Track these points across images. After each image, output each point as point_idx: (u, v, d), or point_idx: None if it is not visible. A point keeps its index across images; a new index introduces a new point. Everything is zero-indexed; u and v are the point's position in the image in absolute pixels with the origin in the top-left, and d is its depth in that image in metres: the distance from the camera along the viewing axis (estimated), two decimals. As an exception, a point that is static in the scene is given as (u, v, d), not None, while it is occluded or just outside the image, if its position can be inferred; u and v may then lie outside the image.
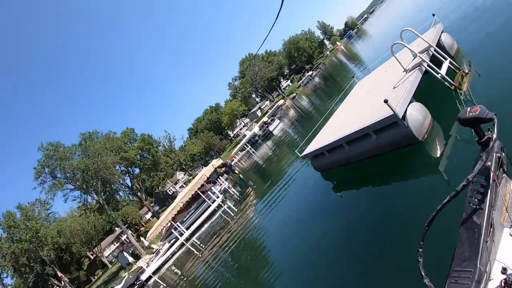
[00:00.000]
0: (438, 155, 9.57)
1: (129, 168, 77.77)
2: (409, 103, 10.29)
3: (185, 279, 24.92)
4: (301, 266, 11.72)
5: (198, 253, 27.66)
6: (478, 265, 3.21)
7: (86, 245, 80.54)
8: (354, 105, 15.94)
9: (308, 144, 17.29)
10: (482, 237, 3.36)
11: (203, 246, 28.09)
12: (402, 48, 13.48)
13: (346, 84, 31.84)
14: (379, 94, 12.90)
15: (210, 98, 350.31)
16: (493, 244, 3.46)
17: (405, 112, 10.03)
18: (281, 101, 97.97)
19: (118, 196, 75.45)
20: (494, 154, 3.72)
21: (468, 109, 3.85)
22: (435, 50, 12.43)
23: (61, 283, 61.64)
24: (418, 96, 11.11)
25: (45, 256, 61.97)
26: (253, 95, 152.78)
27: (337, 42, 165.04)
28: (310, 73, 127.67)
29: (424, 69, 11.76)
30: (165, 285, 29.16)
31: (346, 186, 14.07)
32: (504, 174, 3.94)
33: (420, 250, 3.63)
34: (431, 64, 11.69)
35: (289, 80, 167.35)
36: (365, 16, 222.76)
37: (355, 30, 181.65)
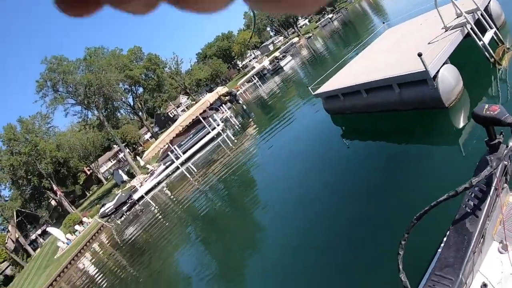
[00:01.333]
0: (461, 126, 8.79)
1: (133, 87, 76.20)
2: (443, 64, 9.35)
3: (176, 201, 24.87)
4: (287, 202, 11.55)
5: (191, 178, 27.54)
6: (461, 276, 3.10)
7: (83, 161, 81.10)
8: (380, 53, 14.59)
9: (322, 84, 16.18)
10: (471, 246, 3.22)
11: (197, 172, 27.87)
12: (445, 4, 11.86)
13: (365, 34, 30.67)
14: (411, 46, 11.81)
15: (224, 25, 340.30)
16: (479, 256, 3.37)
17: (437, 72, 9.18)
18: (296, 39, 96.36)
19: (119, 114, 74.73)
20: (502, 162, 3.49)
21: (486, 106, 3.52)
22: (481, 15, 11.01)
23: (56, 196, 62.37)
24: (454, 59, 9.96)
25: (43, 170, 62.22)
26: (268, 29, 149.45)
27: None
28: (330, 15, 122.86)
29: (466, 31, 10.50)
30: (155, 206, 28.84)
31: (355, 134, 13.22)
32: (506, 185, 3.72)
33: (403, 242, 3.36)
34: (475, 28, 10.44)
35: (307, 19, 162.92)
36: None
37: None
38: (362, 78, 12.16)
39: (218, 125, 36.00)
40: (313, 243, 8.72)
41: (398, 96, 10.54)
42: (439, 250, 3.58)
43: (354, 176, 10.03)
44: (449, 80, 9.34)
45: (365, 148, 11.46)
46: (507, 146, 3.52)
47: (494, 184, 3.41)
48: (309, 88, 16.19)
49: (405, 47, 12.40)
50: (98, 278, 22.65)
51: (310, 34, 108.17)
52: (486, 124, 3.54)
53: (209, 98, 37.53)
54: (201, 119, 36.40)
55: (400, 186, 8.14)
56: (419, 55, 8.59)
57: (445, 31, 10.80)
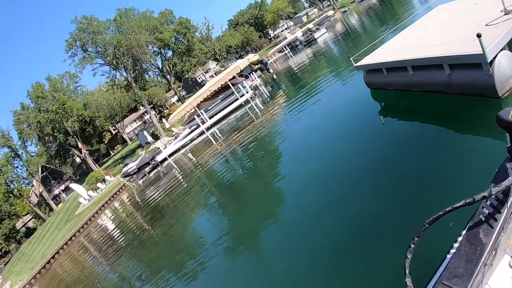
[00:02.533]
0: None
1: (162, 50, 75.72)
2: (501, 50, 8.39)
3: (198, 166, 24.54)
4: (308, 176, 11.21)
5: (216, 144, 27.17)
6: None
7: (109, 120, 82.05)
8: (430, 29, 13.38)
9: (364, 56, 15.05)
10: (483, 258, 3.01)
11: (222, 138, 27.48)
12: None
13: (403, 14, 29.23)
14: (466, 26, 10.74)
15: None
16: (490, 269, 3.17)
17: (495, 57, 8.23)
18: (331, 12, 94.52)
19: (147, 76, 75.10)
20: None
21: None
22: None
23: (81, 153, 63.23)
24: (512, 46, 9.00)
25: (69, 127, 63.36)
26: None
27: None
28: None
29: (528, 16, 9.37)
30: (178, 169, 28.48)
31: (394, 112, 12.25)
32: None
33: (412, 246, 3.14)
34: (542, 14, 9.30)
35: None
36: None
37: None
38: (409, 54, 11.24)
39: (247, 92, 35.36)
40: (324, 224, 8.46)
41: (447, 78, 9.64)
42: (448, 257, 3.36)
43: (383, 156, 9.44)
44: (506, 68, 8.40)
45: (401, 128, 10.63)
46: None
47: None
48: (351, 58, 15.13)
49: (459, 26, 11.33)
50: (116, 235, 22.71)
51: (346, 9, 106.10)
52: (511, 130, 3.32)
53: (239, 64, 36.67)
54: (230, 85, 35.87)
55: (429, 176, 7.46)
56: (478, 36, 7.64)
57: (505, 14, 9.69)
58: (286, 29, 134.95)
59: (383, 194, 7.93)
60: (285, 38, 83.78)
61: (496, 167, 6.31)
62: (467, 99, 9.25)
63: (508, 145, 3.51)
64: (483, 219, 3.19)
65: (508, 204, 3.15)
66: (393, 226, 6.74)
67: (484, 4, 11.91)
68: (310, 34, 69.66)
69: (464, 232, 3.26)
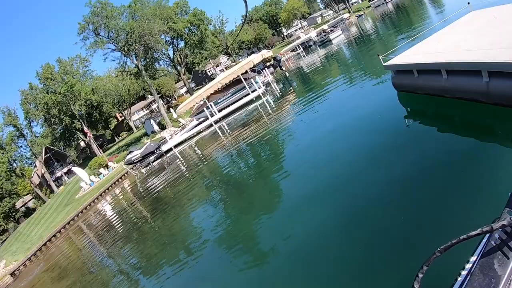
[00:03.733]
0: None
1: (174, 40, 75.30)
2: None
3: (203, 159, 24.11)
4: (315, 178, 10.77)
5: (223, 137, 26.76)
6: None
7: (116, 106, 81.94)
8: (464, 35, 12.64)
9: (393, 55, 14.53)
10: None
11: (230, 133, 26.98)
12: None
13: (418, 24, 29.32)
14: (506, 33, 10.02)
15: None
16: None
17: None
18: (347, 15, 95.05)
19: (157, 65, 74.68)
20: None
21: None
22: None
23: (86, 138, 63.03)
24: None
25: (76, 111, 63.38)
26: (318, 0, 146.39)
27: None
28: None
29: None
30: (182, 160, 28.03)
31: (422, 118, 11.54)
32: None
33: (420, 275, 2.77)
34: None
35: None
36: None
37: None
38: (444, 57, 10.59)
39: (259, 87, 34.85)
40: (326, 231, 7.96)
41: (484, 86, 8.93)
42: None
43: (402, 163, 8.83)
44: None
45: (427, 134, 9.99)
46: None
47: None
48: (380, 57, 14.41)
49: (497, 32, 10.61)
50: (114, 222, 22.35)
51: (362, 13, 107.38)
52: None
53: (253, 59, 36.17)
54: (242, 79, 35.34)
55: (450, 192, 6.84)
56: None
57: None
58: (299, 28, 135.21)
59: (395, 206, 7.37)
60: (299, 37, 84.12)
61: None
62: (503, 110, 8.58)
63: None
64: (499, 248, 2.94)
65: None
66: (402, 246, 6.22)
67: None
68: (325, 35, 69.64)
69: (475, 259, 3.01)
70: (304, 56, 60.67)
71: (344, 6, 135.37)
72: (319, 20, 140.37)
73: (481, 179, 6.84)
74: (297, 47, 72.48)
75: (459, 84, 9.93)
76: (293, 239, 8.48)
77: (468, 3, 15.27)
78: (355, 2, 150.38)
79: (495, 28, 11.18)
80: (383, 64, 13.97)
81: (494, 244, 2.96)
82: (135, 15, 59.01)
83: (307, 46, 74.73)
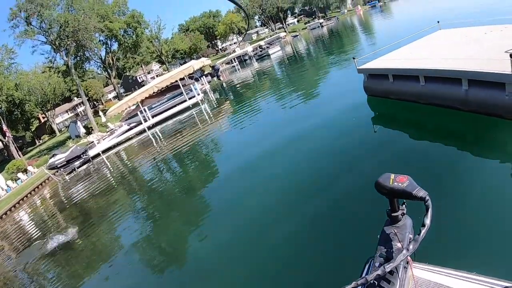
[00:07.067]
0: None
1: (108, 41, 72.64)
2: None
3: (130, 166, 23.42)
4: (249, 190, 10.57)
5: (155, 144, 26.05)
6: None
7: (40, 106, 77.07)
8: (439, 47, 13.11)
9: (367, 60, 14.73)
10: None
11: (163, 140, 26.34)
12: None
13: (349, 49, 31.33)
14: (481, 48, 10.61)
15: (213, 3, 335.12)
16: None
17: None
18: (283, 34, 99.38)
19: (87, 65, 72.31)
20: (408, 236, 3.10)
21: (392, 176, 3.09)
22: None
23: (4, 138, 57.74)
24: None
25: (-4, 106, 57.70)
26: (256, 18, 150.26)
27: (359, 6, 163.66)
28: (321, 20, 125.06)
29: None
30: (110, 167, 26.46)
31: (391, 123, 11.68)
32: (413, 263, 3.19)
33: None
34: None
35: (296, 19, 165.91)
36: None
37: (381, 3, 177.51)
38: (424, 63, 10.83)
39: (198, 94, 34.18)
40: (255, 245, 7.78)
41: (464, 93, 9.36)
42: None
43: (364, 169, 8.70)
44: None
45: (395, 139, 10.02)
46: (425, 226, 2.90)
47: (403, 265, 3.04)
48: (355, 60, 14.56)
49: (473, 47, 11.04)
50: (31, 234, 19.82)
51: (297, 33, 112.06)
52: (392, 196, 3.14)
53: (194, 64, 35.53)
54: (180, 84, 34.16)
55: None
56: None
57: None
58: (234, 43, 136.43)
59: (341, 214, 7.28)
60: (234, 51, 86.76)
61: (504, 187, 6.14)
62: (483, 118, 8.85)
63: (388, 209, 3.29)
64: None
65: (400, 274, 3.00)
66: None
67: (493, 34, 11.87)
68: (261, 50, 73.10)
69: None
70: (238, 70, 62.01)
71: (281, 25, 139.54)
72: (254, 36, 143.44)
73: (461, 181, 6.83)
74: (233, 60, 73.74)
75: (437, 90, 10.26)
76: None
77: (438, 22, 16.19)
78: (291, 23, 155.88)
79: (468, 44, 11.65)
80: (357, 67, 14.25)
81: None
82: (71, 7, 56.35)
83: (242, 60, 76.61)
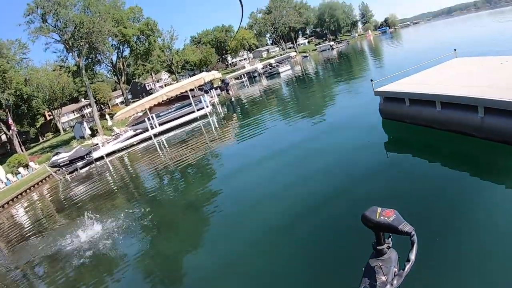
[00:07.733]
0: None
1: (121, 46, 73.64)
2: None
3: (133, 172, 23.30)
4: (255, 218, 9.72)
5: (160, 153, 25.89)
6: None
7: (47, 104, 77.31)
8: (456, 74, 13.18)
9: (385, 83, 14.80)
10: None
11: (168, 149, 26.18)
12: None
13: (358, 73, 31.27)
14: (499, 77, 10.60)
15: (226, 18, 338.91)
16: None
17: None
18: (293, 53, 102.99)
19: (98, 68, 72.79)
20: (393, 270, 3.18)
21: (379, 210, 3.24)
22: None
23: (9, 131, 57.68)
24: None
25: (3, 99, 57.71)
26: (267, 35, 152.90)
27: (369, 31, 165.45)
28: (331, 43, 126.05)
29: None
30: (113, 171, 26.43)
31: (405, 148, 11.57)
32: None
33: None
34: None
35: (307, 40, 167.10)
36: (408, 23, 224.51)
37: (391, 29, 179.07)
38: (441, 89, 10.91)
39: (207, 106, 34.28)
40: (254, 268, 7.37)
41: (479, 121, 9.33)
42: None
43: (378, 193, 8.54)
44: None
45: (408, 163, 9.95)
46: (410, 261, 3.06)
47: None
48: (373, 82, 14.48)
49: (492, 76, 11.04)
50: (27, 231, 19.55)
51: (307, 54, 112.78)
52: (378, 230, 3.26)
53: (205, 76, 35.93)
54: (189, 95, 34.46)
55: (429, 227, 6.28)
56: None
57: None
58: (244, 59, 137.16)
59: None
60: (244, 67, 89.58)
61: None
62: (500, 147, 8.80)
63: (373, 242, 3.40)
64: None
65: None
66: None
67: (510, 64, 11.96)
68: (271, 68, 73.32)
69: None
70: (247, 86, 62.20)
71: (291, 45, 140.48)
72: (264, 54, 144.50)
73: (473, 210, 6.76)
74: (242, 75, 74.35)
75: (453, 116, 10.26)
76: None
77: (455, 50, 16.18)
78: (301, 44, 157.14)
79: (485, 73, 11.78)
80: (374, 89, 14.17)
81: None
82: (88, 9, 56.90)
83: (251, 76, 77.21)
